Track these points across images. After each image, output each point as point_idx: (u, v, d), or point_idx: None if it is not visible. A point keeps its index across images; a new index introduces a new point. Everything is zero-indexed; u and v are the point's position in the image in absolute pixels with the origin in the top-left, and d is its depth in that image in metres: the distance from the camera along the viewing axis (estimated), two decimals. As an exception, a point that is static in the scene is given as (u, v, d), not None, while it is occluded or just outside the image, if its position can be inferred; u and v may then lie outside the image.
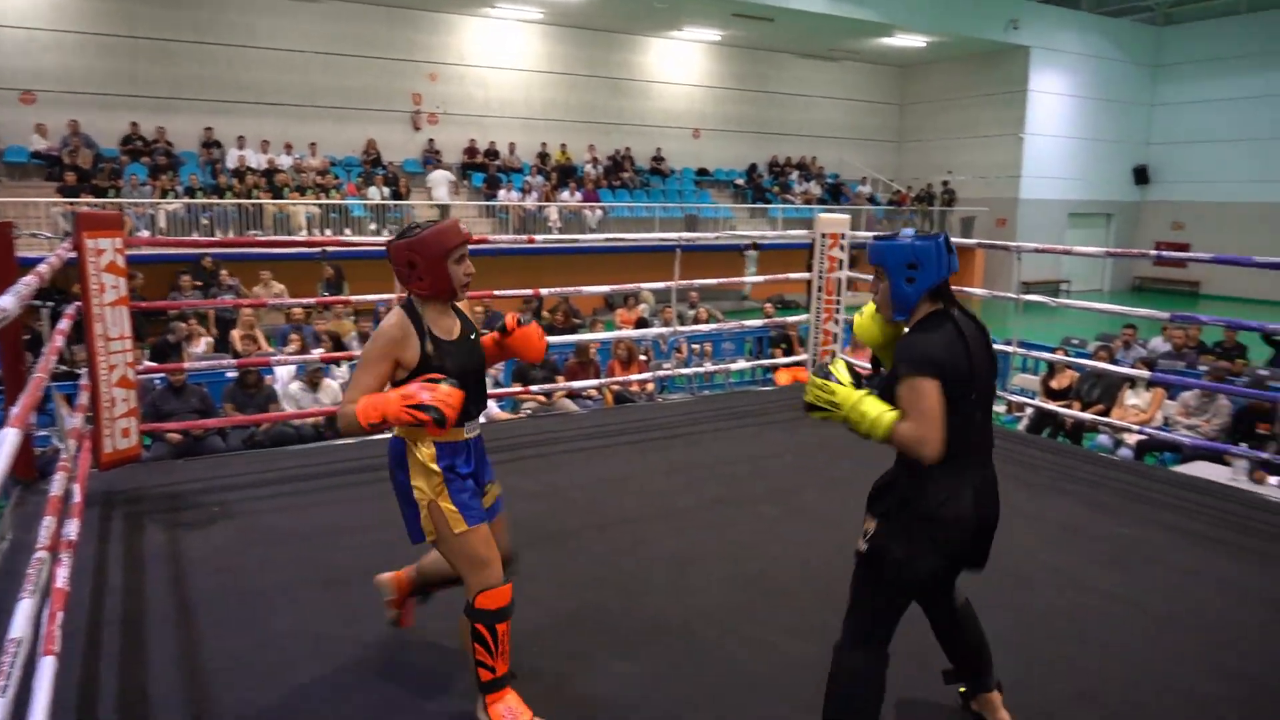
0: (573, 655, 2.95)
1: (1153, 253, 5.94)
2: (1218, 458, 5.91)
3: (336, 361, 7.93)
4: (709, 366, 8.84)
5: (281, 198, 15.26)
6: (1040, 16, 21.39)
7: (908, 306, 2.30)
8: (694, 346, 9.92)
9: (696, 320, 10.91)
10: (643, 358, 8.57)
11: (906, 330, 2.33)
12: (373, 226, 15.77)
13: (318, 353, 7.58)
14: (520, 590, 3.39)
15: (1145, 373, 6.48)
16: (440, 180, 17.01)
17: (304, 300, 7.10)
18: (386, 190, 16.38)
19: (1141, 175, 23.96)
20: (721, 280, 7.50)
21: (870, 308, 2.49)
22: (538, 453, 5.31)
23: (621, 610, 3.28)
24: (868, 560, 2.29)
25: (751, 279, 7.58)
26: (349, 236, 14.58)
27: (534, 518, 4.20)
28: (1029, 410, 7.66)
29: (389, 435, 2.52)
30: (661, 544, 3.90)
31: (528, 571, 3.58)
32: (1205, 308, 20.23)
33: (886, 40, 21.15)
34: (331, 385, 6.97)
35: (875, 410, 2.19)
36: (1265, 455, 5.13)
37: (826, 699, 2.31)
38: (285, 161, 16.37)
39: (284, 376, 7.24)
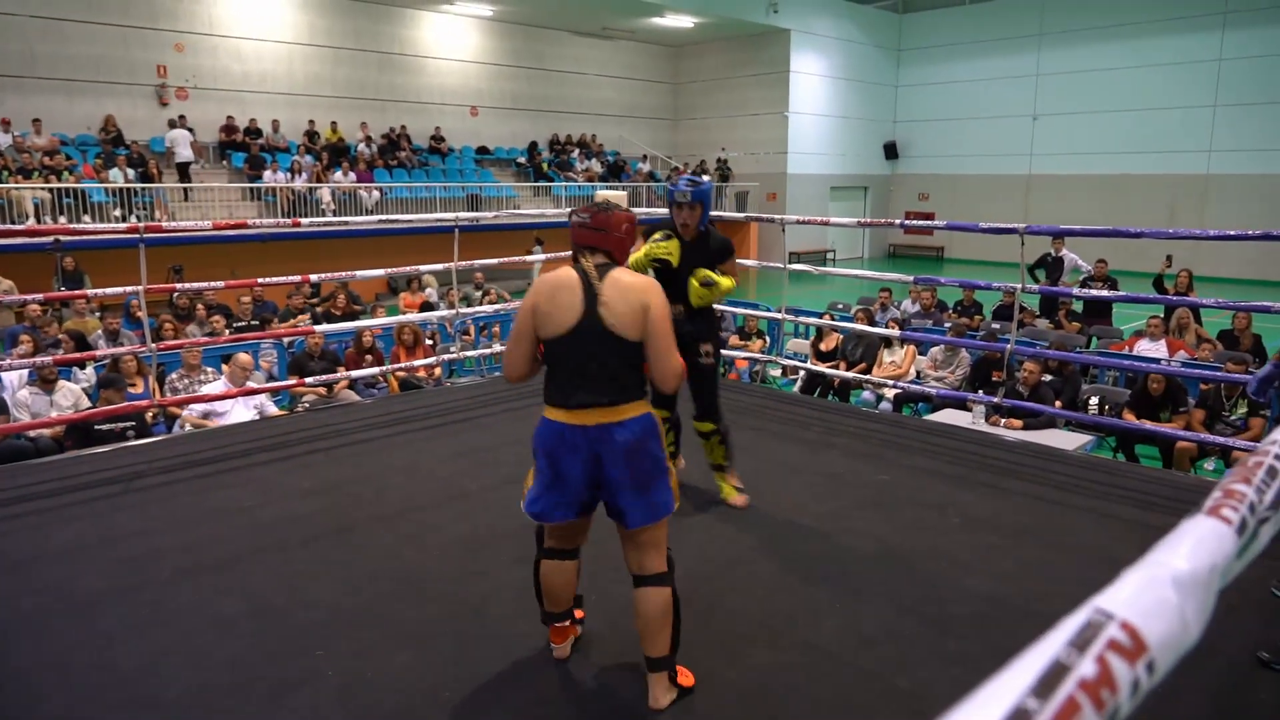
0: (359, 653, 2.84)
1: (899, 222, 6.51)
2: (962, 405, 6.59)
3: (81, 363, 7.13)
4: (498, 348, 8.75)
5: (1, 181, 13.44)
6: (798, 1, 22.69)
7: (707, 222, 3.90)
8: (483, 328, 9.78)
9: (486, 301, 10.76)
10: (429, 342, 8.34)
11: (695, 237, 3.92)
12: (117, 213, 14.24)
13: (55, 354, 6.77)
14: (301, 592, 3.24)
15: (897, 332, 7.10)
16: (181, 140, 15.79)
17: (35, 295, 6.29)
18: (132, 172, 14.85)
19: (891, 151, 26.14)
20: (503, 260, 7.42)
21: (674, 243, 3.84)
22: (316, 448, 5.04)
23: (409, 601, 3.19)
24: (715, 366, 4.07)
25: (538, 258, 7.54)
26: (89, 224, 13.09)
27: (314, 515, 4.00)
28: (801, 373, 8.19)
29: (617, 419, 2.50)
30: (450, 529, 3.84)
31: (309, 571, 3.42)
32: (949, 271, 22.46)
33: (657, 20, 21.66)
34: (71, 389, 6.26)
35: (728, 282, 3.89)
36: (997, 400, 5.77)
37: (725, 445, 4.09)
38: (3, 140, 14.41)
39: (13, 383, 6.42)
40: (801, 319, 7.91)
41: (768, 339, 9.26)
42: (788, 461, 4.83)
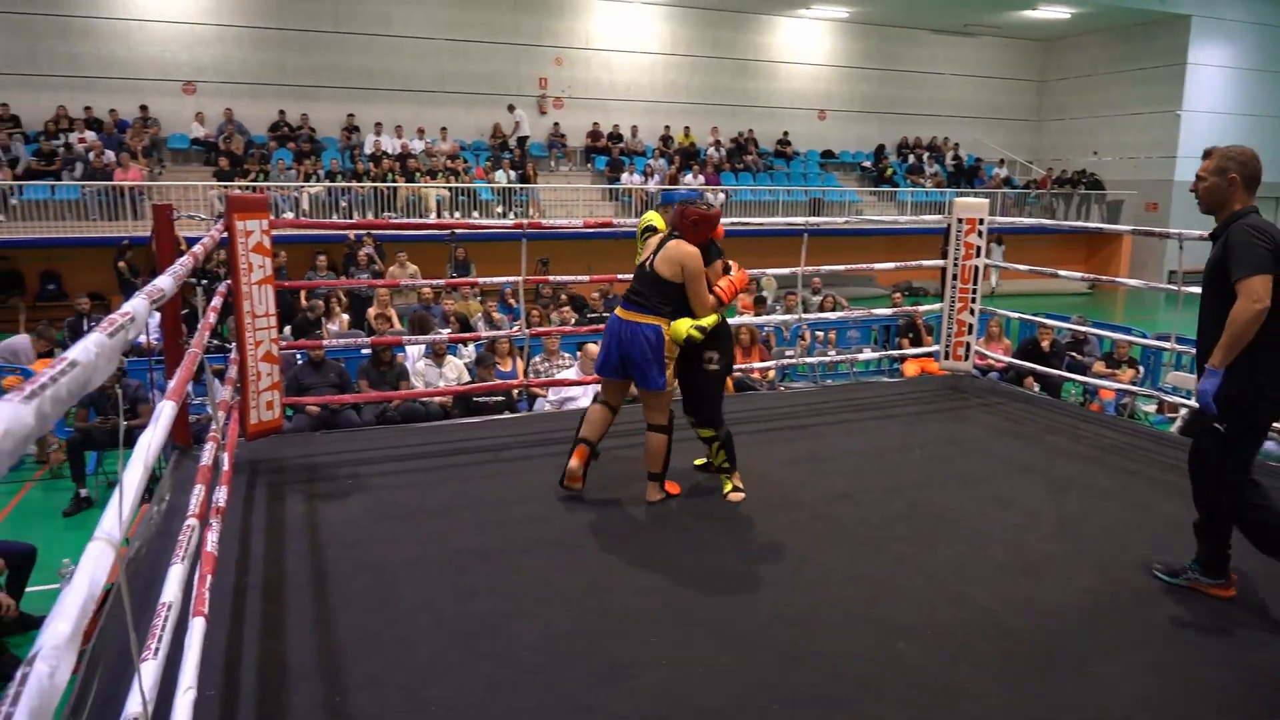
0: (685, 646, 2.90)
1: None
2: (1404, 469, 5.31)
3: (464, 341, 8.15)
4: (833, 355, 8.62)
5: (414, 181, 15.79)
6: (1203, -17, 19.83)
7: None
8: (817, 334, 9.70)
9: (821, 308, 10.66)
10: (763, 344, 8.43)
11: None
12: (499, 210, 16.12)
13: (446, 333, 7.80)
14: (635, 578, 3.39)
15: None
16: (522, 117, 18.21)
17: (433, 281, 7.31)
18: (513, 174, 16.72)
19: (1316, 155, 21.91)
20: (850, 266, 7.27)
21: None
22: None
23: (737, 603, 3.21)
24: (719, 375, 4.25)
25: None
26: (477, 220, 14.95)
27: (649, 505, 4.17)
28: (1183, 411, 7.12)
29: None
30: (782, 537, 3.82)
31: (643, 558, 3.56)
32: (1388, 301, 18.34)
33: (1028, 13, 20.06)
34: (456, 363, 7.15)
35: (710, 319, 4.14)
36: None
37: (726, 450, 4.27)
38: (417, 146, 16.92)
39: (413, 355, 7.49)
40: (1188, 349, 6.86)
41: (1141, 369, 8.19)
42: (1169, 514, 4.20)
